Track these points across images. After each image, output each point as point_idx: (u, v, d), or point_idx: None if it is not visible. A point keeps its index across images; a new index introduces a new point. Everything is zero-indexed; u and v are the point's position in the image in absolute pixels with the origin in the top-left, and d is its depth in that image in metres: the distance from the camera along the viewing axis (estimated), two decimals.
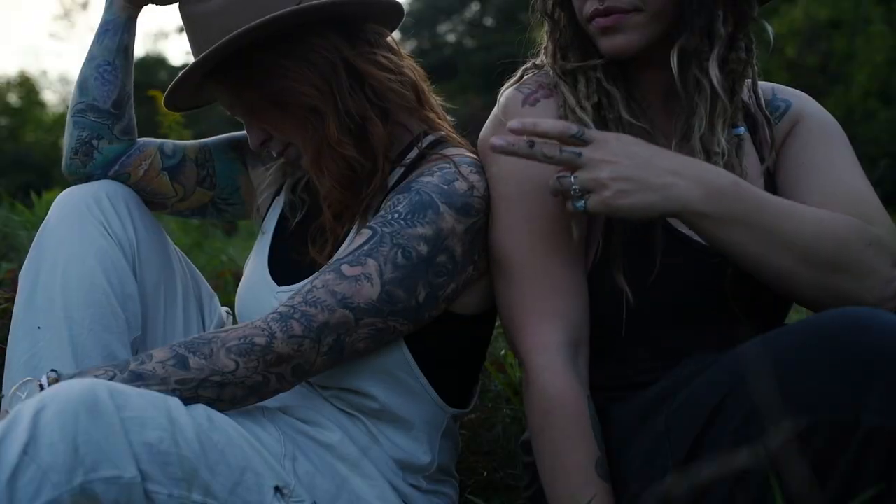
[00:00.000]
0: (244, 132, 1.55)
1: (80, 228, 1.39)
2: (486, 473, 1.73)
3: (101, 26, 1.51)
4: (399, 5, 1.42)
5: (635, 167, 1.14)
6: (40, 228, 1.42)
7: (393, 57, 1.40)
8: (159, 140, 1.58)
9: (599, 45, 1.29)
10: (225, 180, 1.59)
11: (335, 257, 1.29)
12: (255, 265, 1.51)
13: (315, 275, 1.28)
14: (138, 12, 1.52)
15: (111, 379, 1.16)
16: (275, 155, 1.45)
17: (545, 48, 1.38)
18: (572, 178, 1.16)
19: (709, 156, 1.28)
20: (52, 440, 1.04)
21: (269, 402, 1.31)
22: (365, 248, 1.26)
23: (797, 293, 1.19)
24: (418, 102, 1.41)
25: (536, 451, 1.26)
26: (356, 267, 1.25)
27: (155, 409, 1.12)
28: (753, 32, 1.32)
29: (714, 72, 1.25)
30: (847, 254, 1.16)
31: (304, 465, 1.27)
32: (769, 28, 1.30)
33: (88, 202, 1.41)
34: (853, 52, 12.64)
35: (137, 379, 1.17)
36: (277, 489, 1.20)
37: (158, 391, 1.16)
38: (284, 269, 1.45)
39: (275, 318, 1.22)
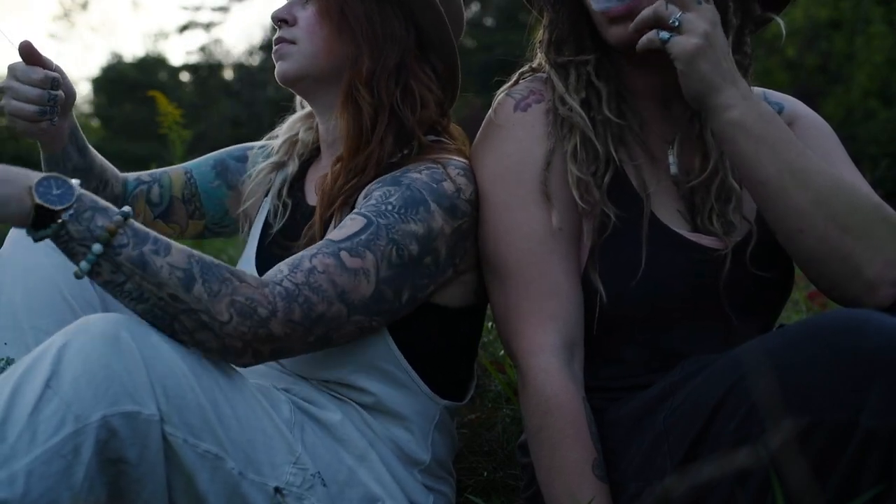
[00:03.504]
0: (226, 151, 1.66)
1: (34, 248, 1.38)
2: (485, 473, 1.73)
3: None
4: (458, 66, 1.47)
5: (722, 48, 1.18)
6: None
7: (436, 89, 1.43)
8: (145, 183, 1.62)
9: (608, 35, 1.29)
10: (212, 208, 1.65)
11: (329, 237, 1.27)
12: (243, 264, 1.53)
13: (312, 249, 1.24)
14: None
15: (124, 244, 1.11)
16: (274, 37, 1.47)
17: (540, 41, 1.39)
18: (678, 13, 1.17)
19: (718, 148, 1.29)
20: (75, 374, 1.05)
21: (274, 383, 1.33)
22: (363, 237, 1.25)
23: (803, 243, 1.18)
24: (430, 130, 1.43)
25: (533, 453, 1.26)
26: (356, 259, 1.23)
27: (177, 352, 1.13)
28: (755, 36, 1.33)
29: (732, 59, 1.26)
30: (859, 217, 1.17)
31: (310, 435, 1.28)
32: (781, 23, 1.32)
33: None
34: (853, 52, 12.64)
35: (140, 265, 1.12)
36: (277, 490, 1.20)
37: (144, 289, 1.13)
38: (269, 264, 1.46)
39: (281, 293, 1.18)
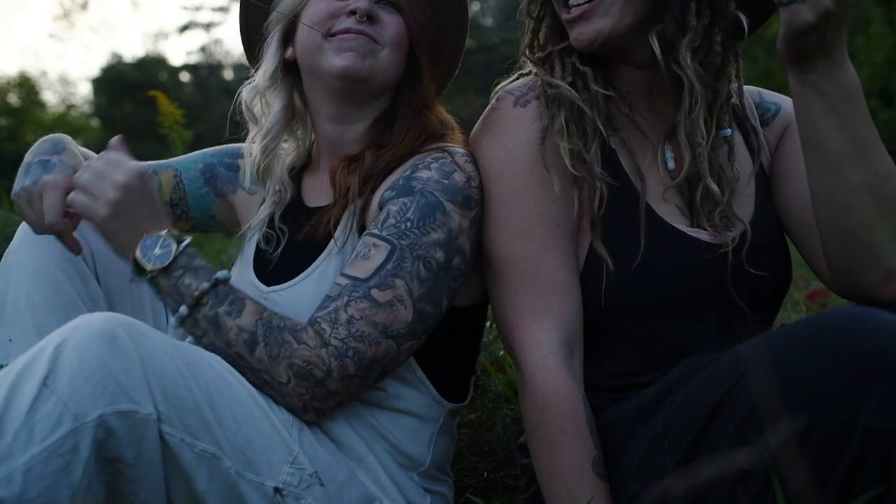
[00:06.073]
0: (217, 154, 1.62)
1: (40, 244, 1.42)
2: (486, 474, 1.73)
3: None
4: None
5: (836, 23, 1.12)
6: (6, 252, 1.46)
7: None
8: None
9: (572, 39, 1.31)
10: (199, 212, 1.64)
11: (355, 272, 1.27)
12: (240, 271, 1.51)
13: (341, 296, 1.26)
14: None
15: (204, 304, 1.26)
16: (349, 25, 1.38)
17: (524, 43, 1.41)
18: None
19: (693, 149, 1.29)
20: (72, 373, 1.05)
21: None
22: (388, 266, 1.26)
23: (842, 219, 1.17)
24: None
25: (532, 450, 1.26)
26: (387, 291, 1.25)
27: (174, 352, 1.14)
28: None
29: (687, 61, 1.26)
30: None
31: (307, 435, 1.28)
32: (743, 19, 1.31)
33: None
34: (853, 52, 12.64)
35: (214, 324, 1.24)
36: (277, 490, 1.20)
37: (217, 346, 1.24)
38: (270, 271, 1.45)
39: (333, 353, 1.23)
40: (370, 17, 1.38)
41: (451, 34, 1.51)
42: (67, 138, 1.47)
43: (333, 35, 1.39)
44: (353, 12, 1.38)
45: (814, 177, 1.20)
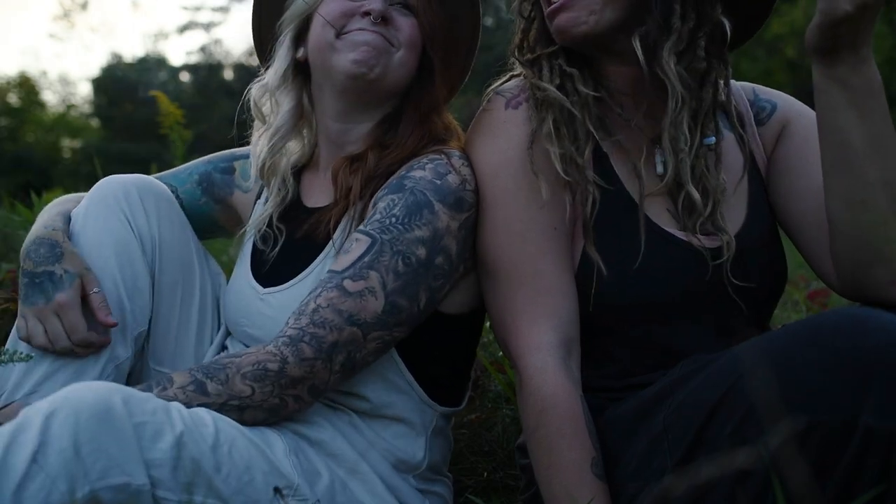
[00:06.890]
0: (212, 161, 1.61)
1: (105, 218, 1.40)
2: (486, 474, 1.73)
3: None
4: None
5: (869, 17, 1.11)
6: (73, 211, 1.43)
7: None
8: None
9: (552, 31, 1.30)
10: (200, 222, 1.60)
11: (333, 268, 1.29)
12: (239, 271, 1.51)
13: (316, 289, 1.27)
14: None
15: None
16: (364, 25, 1.38)
17: (513, 43, 1.40)
18: None
19: (676, 154, 1.28)
20: (61, 447, 1.04)
21: None
22: (366, 259, 1.26)
23: (858, 215, 1.17)
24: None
25: (531, 452, 1.26)
26: (359, 282, 1.25)
27: (166, 412, 1.14)
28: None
29: (670, 64, 1.25)
30: None
31: (304, 461, 1.28)
32: (727, 24, 1.30)
33: (118, 194, 1.42)
34: None
35: (164, 406, 1.19)
36: (277, 490, 1.20)
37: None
38: (267, 271, 1.45)
39: (285, 342, 1.24)
40: (384, 19, 1.38)
41: (463, 36, 1.50)
42: (60, 234, 1.38)
43: (346, 34, 1.39)
44: (367, 13, 1.38)
45: (831, 173, 1.19)
